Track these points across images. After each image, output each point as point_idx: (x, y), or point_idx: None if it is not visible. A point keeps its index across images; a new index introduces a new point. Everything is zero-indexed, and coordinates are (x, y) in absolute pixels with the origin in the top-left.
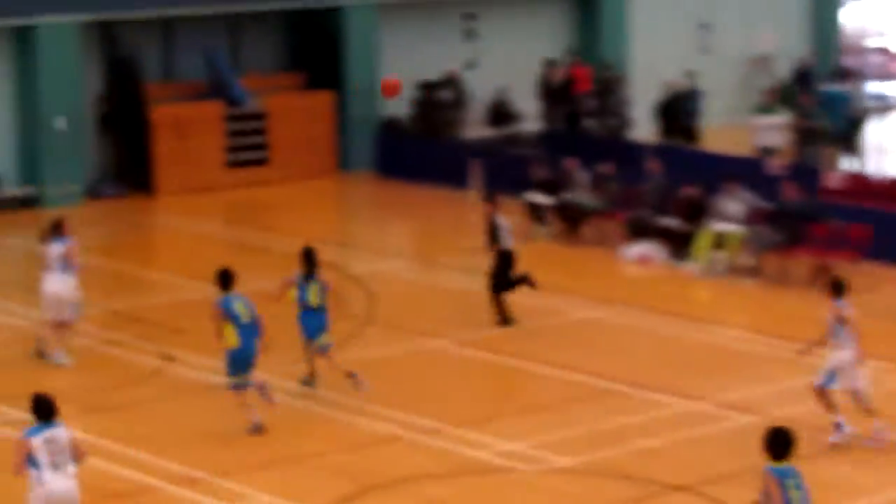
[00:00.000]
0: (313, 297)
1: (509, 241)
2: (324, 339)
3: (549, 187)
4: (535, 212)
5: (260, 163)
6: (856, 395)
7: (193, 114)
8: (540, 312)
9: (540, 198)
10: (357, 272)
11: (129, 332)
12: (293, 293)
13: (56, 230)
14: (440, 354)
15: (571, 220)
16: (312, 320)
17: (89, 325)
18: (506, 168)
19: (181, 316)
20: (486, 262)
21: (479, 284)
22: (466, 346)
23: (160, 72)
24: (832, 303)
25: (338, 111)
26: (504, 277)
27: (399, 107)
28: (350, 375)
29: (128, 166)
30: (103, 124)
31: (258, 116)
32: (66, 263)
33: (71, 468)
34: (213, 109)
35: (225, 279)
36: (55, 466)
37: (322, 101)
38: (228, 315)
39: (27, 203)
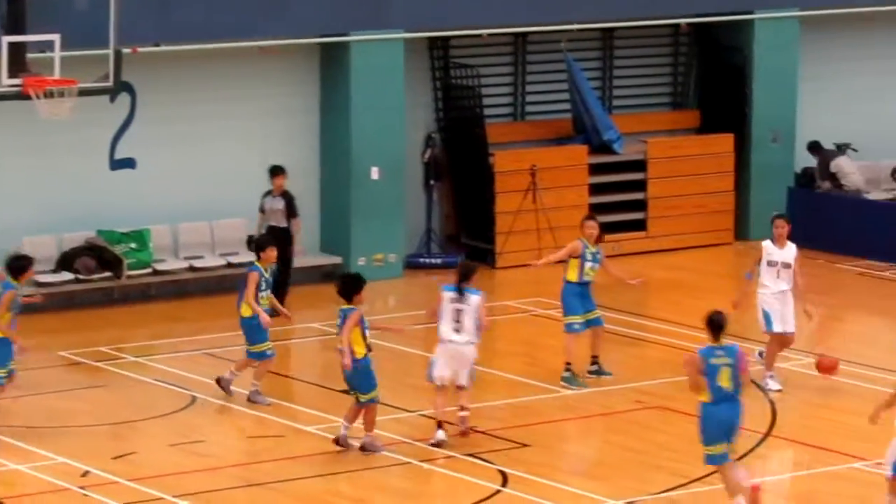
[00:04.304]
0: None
1: None
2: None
3: None
4: None
5: (634, 227)
6: None
7: (546, 161)
8: None
9: None
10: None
11: None
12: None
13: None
14: None
15: None
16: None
17: None
18: None
19: None
20: None
21: None
22: None
23: (506, 106)
24: None
25: (739, 162)
26: None
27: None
28: None
29: (461, 229)
30: (431, 175)
31: (634, 166)
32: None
33: None
34: (573, 156)
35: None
36: None
37: (719, 147)
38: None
39: (330, 276)
